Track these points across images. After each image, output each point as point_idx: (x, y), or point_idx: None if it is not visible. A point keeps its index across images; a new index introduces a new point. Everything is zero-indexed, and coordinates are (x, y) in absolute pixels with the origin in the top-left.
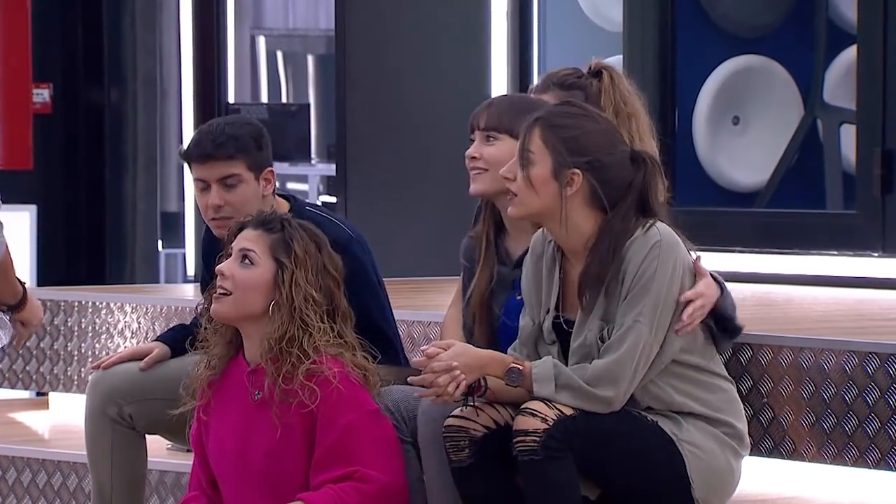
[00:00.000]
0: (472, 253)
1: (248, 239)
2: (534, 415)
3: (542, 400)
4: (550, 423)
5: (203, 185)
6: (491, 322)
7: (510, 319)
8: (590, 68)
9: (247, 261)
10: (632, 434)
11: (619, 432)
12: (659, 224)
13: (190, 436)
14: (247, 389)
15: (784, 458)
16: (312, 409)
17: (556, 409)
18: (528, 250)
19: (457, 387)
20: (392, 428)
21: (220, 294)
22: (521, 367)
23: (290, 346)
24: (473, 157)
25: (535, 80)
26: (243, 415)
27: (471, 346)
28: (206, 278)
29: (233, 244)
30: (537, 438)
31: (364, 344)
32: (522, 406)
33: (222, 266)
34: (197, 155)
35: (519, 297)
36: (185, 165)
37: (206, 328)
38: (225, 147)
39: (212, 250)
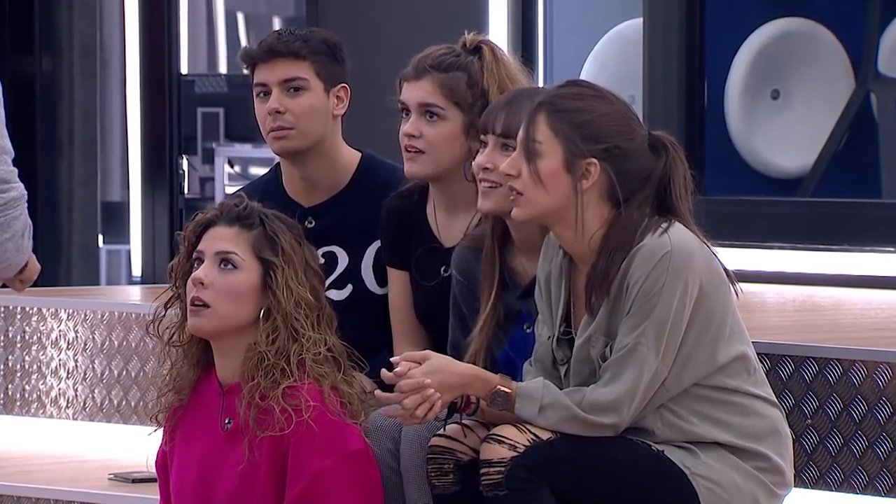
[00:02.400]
0: (468, 264)
1: (225, 239)
2: (501, 442)
3: (516, 424)
4: (520, 451)
5: (263, 91)
6: (492, 354)
7: (516, 354)
8: (464, 44)
9: (228, 265)
10: (627, 462)
11: (610, 459)
12: (673, 230)
13: (155, 460)
14: (217, 415)
15: (831, 490)
16: (283, 447)
17: (531, 433)
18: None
19: (429, 408)
20: (375, 473)
21: (197, 307)
22: (508, 391)
23: (278, 360)
24: (486, 168)
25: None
26: (210, 445)
27: (451, 360)
28: None
29: (200, 246)
30: (502, 469)
31: (352, 353)
32: (490, 433)
33: (199, 273)
34: (259, 53)
35: (528, 330)
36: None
37: (170, 345)
38: (291, 45)
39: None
